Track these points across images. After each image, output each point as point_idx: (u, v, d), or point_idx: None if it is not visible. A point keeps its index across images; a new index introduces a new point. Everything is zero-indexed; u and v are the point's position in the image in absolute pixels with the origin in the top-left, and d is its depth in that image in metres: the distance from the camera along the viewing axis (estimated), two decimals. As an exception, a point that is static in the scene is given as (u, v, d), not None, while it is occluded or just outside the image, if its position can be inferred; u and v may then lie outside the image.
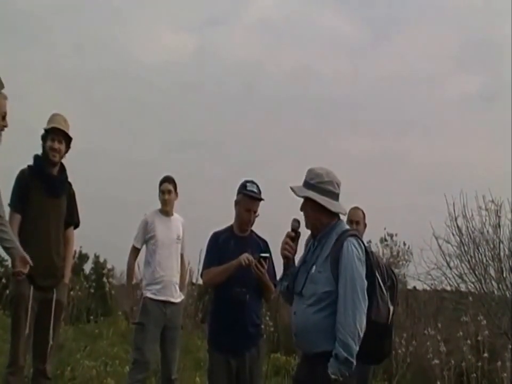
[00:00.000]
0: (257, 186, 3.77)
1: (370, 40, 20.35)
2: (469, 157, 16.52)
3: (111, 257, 11.90)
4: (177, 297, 4.72)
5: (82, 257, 12.37)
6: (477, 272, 7.77)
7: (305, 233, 2.91)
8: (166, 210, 4.78)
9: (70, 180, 4.11)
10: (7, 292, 8.01)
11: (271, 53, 19.83)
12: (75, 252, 10.87)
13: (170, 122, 18.33)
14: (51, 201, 3.92)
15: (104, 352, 6.88)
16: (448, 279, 8.04)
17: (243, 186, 3.76)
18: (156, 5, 19.79)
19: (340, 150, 18.29)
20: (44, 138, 3.95)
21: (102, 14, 19.09)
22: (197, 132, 18.56)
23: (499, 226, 7.61)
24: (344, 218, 3.12)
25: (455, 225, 7.88)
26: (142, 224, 4.75)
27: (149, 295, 4.61)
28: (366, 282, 2.63)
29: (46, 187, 3.91)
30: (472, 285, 7.89)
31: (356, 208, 4.73)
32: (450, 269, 7.98)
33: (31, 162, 3.98)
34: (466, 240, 7.83)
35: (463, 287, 8.08)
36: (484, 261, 7.73)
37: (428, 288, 8.91)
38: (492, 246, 7.65)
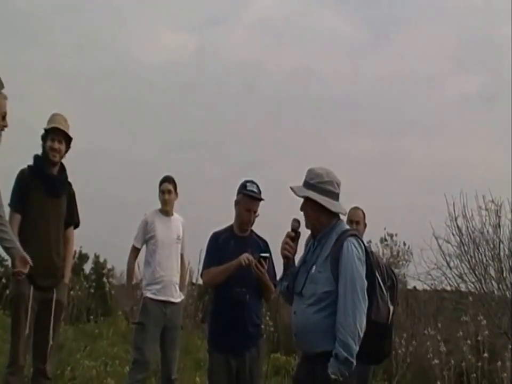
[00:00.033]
0: (257, 186, 3.77)
1: (370, 40, 20.38)
2: (469, 157, 16.54)
3: (111, 257, 11.91)
4: (177, 297, 4.72)
5: (82, 257, 12.37)
6: (477, 272, 7.77)
7: (305, 233, 2.91)
8: (166, 210, 4.78)
9: (70, 179, 4.11)
10: (7, 291, 8.01)
11: (271, 53, 19.85)
12: (75, 251, 10.87)
13: (170, 122, 18.35)
14: (51, 201, 3.92)
15: (104, 352, 6.88)
16: (448, 279, 8.05)
17: (243, 186, 3.76)
18: (156, 5, 19.81)
19: (339, 150, 18.31)
20: (44, 138, 3.95)
21: (102, 14, 19.13)
22: (197, 131, 18.59)
23: (499, 226, 7.61)
24: (344, 218, 3.12)
25: (455, 225, 7.89)
26: (142, 224, 4.75)
27: (149, 295, 4.61)
28: (366, 282, 2.63)
29: (46, 187, 3.91)
30: (472, 285, 7.89)
31: (356, 208, 4.73)
32: (450, 269, 7.98)
33: (31, 162, 3.98)
34: (466, 240, 7.84)
35: (463, 287, 8.08)
36: (484, 261, 7.73)
37: (428, 288, 8.92)
38: (492, 246, 7.66)
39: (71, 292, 8.76)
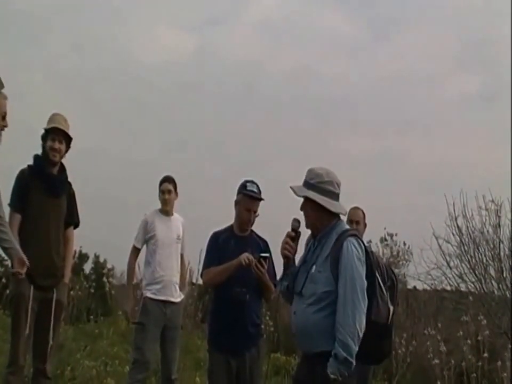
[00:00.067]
0: (257, 186, 3.77)
1: (370, 40, 20.36)
2: (469, 156, 16.54)
3: (111, 257, 11.92)
4: (177, 297, 4.72)
5: (82, 257, 12.37)
6: (477, 272, 7.77)
7: (305, 233, 2.91)
8: (166, 210, 4.78)
9: (69, 179, 4.11)
10: (7, 291, 8.01)
11: (271, 52, 19.85)
12: (75, 251, 10.87)
13: (170, 122, 18.35)
14: (51, 201, 3.92)
15: (104, 352, 6.88)
16: (448, 279, 8.06)
17: (243, 186, 3.76)
18: (156, 5, 19.81)
19: (339, 149, 18.31)
20: (44, 138, 3.95)
21: (102, 14, 19.13)
22: (197, 131, 18.58)
23: (499, 226, 7.62)
24: (344, 218, 3.12)
25: (455, 225, 7.90)
26: (142, 224, 4.75)
27: (149, 295, 4.61)
28: (365, 282, 2.63)
29: (46, 187, 3.91)
30: (472, 285, 7.90)
31: (356, 208, 4.73)
32: (450, 268, 7.99)
33: (30, 162, 3.98)
34: (467, 240, 7.84)
35: (463, 287, 8.09)
36: (484, 260, 7.74)
37: (428, 288, 8.92)
38: (492, 245, 7.66)
39: (71, 292, 8.76)
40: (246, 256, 3.57)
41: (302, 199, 2.83)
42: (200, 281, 6.64)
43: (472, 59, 18.63)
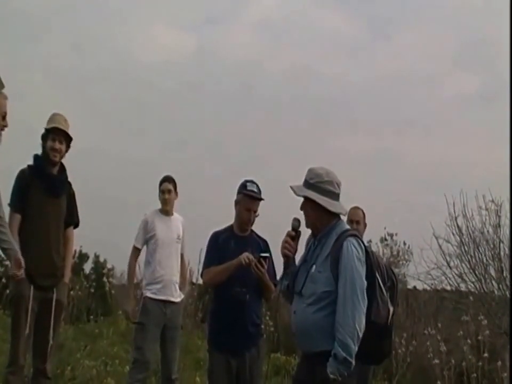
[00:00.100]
0: (257, 186, 3.77)
1: (369, 40, 20.35)
2: (469, 156, 16.53)
3: (111, 257, 11.91)
4: (177, 296, 4.72)
5: (82, 257, 12.35)
6: (477, 272, 7.77)
7: (306, 232, 2.91)
8: (166, 210, 4.78)
9: (69, 179, 4.11)
10: (7, 291, 8.01)
11: (270, 52, 19.84)
12: (75, 251, 10.87)
13: (170, 122, 18.34)
14: (51, 201, 3.92)
15: (104, 352, 6.88)
16: (448, 278, 8.07)
17: (243, 186, 3.76)
18: (155, 4, 19.80)
19: (339, 149, 18.31)
20: (44, 137, 3.95)
21: (101, 14, 19.10)
22: (196, 131, 18.57)
23: (499, 226, 7.63)
24: (344, 218, 3.12)
25: (455, 224, 7.91)
26: (142, 224, 4.75)
27: (149, 294, 4.61)
28: (365, 282, 2.63)
29: (46, 187, 3.91)
30: (472, 285, 7.90)
31: (356, 208, 4.73)
32: (451, 268, 8.00)
33: (29, 161, 3.98)
34: (467, 239, 7.85)
35: (463, 287, 8.10)
36: (484, 260, 7.75)
37: (428, 288, 8.93)
38: (492, 245, 7.67)
39: (71, 292, 8.77)
40: (246, 256, 3.57)
41: (302, 199, 2.83)
42: (200, 281, 6.64)
43: (472, 59, 18.63)
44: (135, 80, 18.58)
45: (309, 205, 2.79)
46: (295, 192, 2.81)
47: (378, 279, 2.71)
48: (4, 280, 9.25)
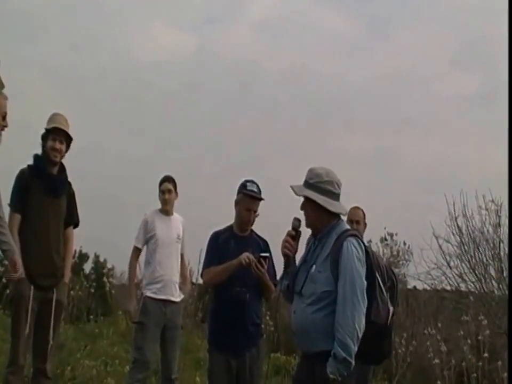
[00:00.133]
0: (257, 186, 3.77)
1: (368, 39, 20.35)
2: (469, 156, 16.52)
3: (111, 257, 11.91)
4: (177, 296, 4.72)
5: (82, 257, 12.35)
6: (477, 272, 7.77)
7: (306, 232, 2.91)
8: (166, 210, 4.78)
9: (69, 179, 4.11)
10: (7, 291, 8.01)
11: (269, 52, 19.85)
12: (75, 251, 10.87)
13: (169, 122, 18.34)
14: (51, 201, 3.92)
15: (104, 352, 6.88)
16: (448, 278, 8.07)
17: (243, 186, 3.75)
18: (154, 4, 19.81)
19: (339, 149, 18.31)
20: (45, 137, 3.95)
21: (100, 14, 19.12)
22: (196, 131, 18.57)
23: (499, 225, 7.62)
24: (344, 218, 3.12)
25: (455, 224, 7.91)
26: (143, 224, 4.75)
27: (149, 294, 4.61)
28: (365, 282, 2.63)
29: (46, 187, 3.90)
30: (472, 285, 7.90)
31: (356, 208, 4.73)
32: (451, 268, 8.00)
33: (29, 162, 3.97)
34: (467, 239, 7.85)
35: (463, 287, 8.10)
36: (484, 260, 7.74)
37: (428, 288, 8.92)
38: (492, 245, 7.66)
39: (71, 292, 8.77)
40: (246, 256, 3.57)
41: (302, 199, 2.83)
42: (200, 281, 6.63)
43: (472, 58, 18.63)
44: (134, 79, 18.61)
45: (309, 205, 2.79)
46: (295, 192, 2.81)
47: (378, 279, 2.71)
48: (4, 280, 9.25)
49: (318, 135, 18.73)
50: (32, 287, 3.75)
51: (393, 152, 18.74)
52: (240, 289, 3.65)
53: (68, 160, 4.06)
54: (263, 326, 4.22)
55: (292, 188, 2.82)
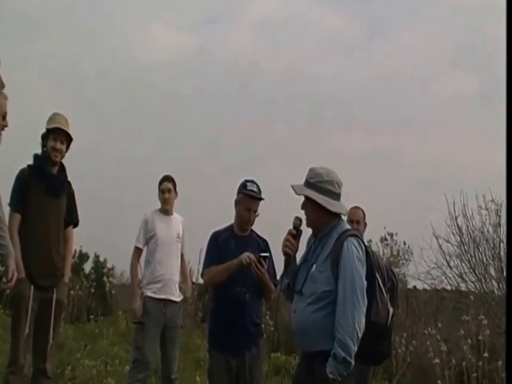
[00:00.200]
0: (257, 185, 3.77)
1: (367, 40, 20.36)
2: (468, 156, 16.53)
3: (111, 256, 11.92)
4: (177, 296, 4.72)
5: (82, 257, 12.34)
6: (477, 272, 7.78)
7: (307, 232, 2.91)
8: (166, 209, 4.78)
9: (69, 179, 4.11)
10: (7, 291, 8.00)
11: (268, 52, 19.86)
12: (75, 251, 10.86)
13: (169, 122, 18.34)
14: (51, 201, 3.92)
15: (104, 352, 6.88)
16: (448, 278, 8.07)
17: (243, 185, 3.75)
18: (154, 4, 19.81)
19: (338, 149, 18.31)
20: (45, 137, 3.94)
21: (100, 14, 19.12)
22: (195, 131, 18.57)
23: (499, 225, 7.62)
24: (344, 218, 3.12)
25: (455, 224, 7.91)
26: (143, 224, 4.75)
27: (149, 294, 4.61)
28: (365, 282, 2.62)
29: (46, 186, 3.90)
30: (472, 285, 7.91)
31: (356, 208, 4.73)
32: (451, 268, 8.00)
33: (29, 162, 3.97)
34: (467, 239, 7.85)
35: (463, 287, 8.10)
36: (484, 260, 7.75)
37: (428, 288, 8.92)
38: (492, 245, 7.67)
39: (71, 292, 8.77)
40: (246, 256, 3.57)
41: (302, 198, 2.83)
42: (200, 281, 6.63)
43: (472, 58, 18.62)
44: (134, 79, 18.61)
45: (309, 205, 2.79)
46: (295, 191, 2.81)
47: (378, 280, 2.71)
48: (4, 279, 9.24)
49: (318, 135, 18.75)
50: (32, 287, 3.75)
51: (393, 152, 18.75)
52: (240, 289, 3.65)
53: (68, 160, 4.06)
54: (263, 326, 4.22)
55: (293, 187, 2.82)
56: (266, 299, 3.97)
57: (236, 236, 3.81)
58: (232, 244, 3.77)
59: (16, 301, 3.79)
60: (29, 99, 14.93)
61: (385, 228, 11.12)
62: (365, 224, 4.78)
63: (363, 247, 2.70)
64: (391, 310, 2.75)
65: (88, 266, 12.35)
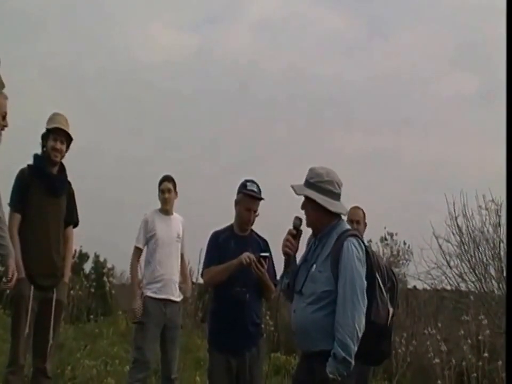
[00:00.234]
0: (257, 185, 3.77)
1: (367, 40, 20.36)
2: (468, 156, 16.53)
3: (111, 256, 11.92)
4: (177, 296, 4.72)
5: (82, 257, 12.35)
6: (477, 272, 7.78)
7: (307, 231, 2.91)
8: (166, 209, 4.78)
9: (69, 178, 4.11)
10: (7, 291, 8.00)
11: (268, 52, 19.86)
12: (75, 251, 10.87)
13: (169, 122, 18.33)
14: (51, 201, 3.92)
15: (104, 352, 6.88)
16: (448, 278, 8.07)
17: (243, 185, 3.75)
18: (154, 4, 19.81)
19: (338, 149, 18.31)
20: (45, 137, 3.94)
21: (100, 14, 19.12)
22: (195, 131, 18.57)
23: (499, 225, 7.62)
24: (344, 217, 3.12)
25: (455, 224, 7.91)
26: (143, 224, 4.75)
27: (149, 294, 4.61)
28: (365, 282, 2.62)
29: (46, 186, 3.90)
30: (472, 284, 7.91)
31: (356, 208, 4.73)
32: (451, 268, 8.00)
33: (29, 162, 3.97)
34: (467, 239, 7.85)
35: (463, 287, 8.10)
36: (484, 260, 7.75)
37: (428, 288, 8.92)
38: (492, 245, 7.67)
39: (71, 291, 8.77)
40: (246, 256, 3.57)
41: (302, 198, 2.83)
42: (200, 281, 6.63)
43: (472, 58, 18.62)
44: (134, 79, 18.62)
45: (309, 205, 2.79)
46: (295, 191, 2.81)
47: (378, 280, 2.71)
48: (4, 279, 9.24)
49: (318, 135, 18.76)
50: (32, 287, 3.75)
51: (393, 152, 18.75)
52: (240, 289, 3.65)
53: (68, 160, 4.06)
54: (263, 326, 4.22)
55: (293, 187, 2.82)
56: (266, 299, 3.97)
57: (236, 235, 3.81)
58: (232, 243, 3.76)
59: (16, 301, 3.79)
60: (29, 99, 14.94)
61: (385, 227, 11.14)
62: (365, 224, 4.78)
63: (363, 247, 2.70)
64: (391, 310, 2.75)
65: (88, 266, 12.37)
